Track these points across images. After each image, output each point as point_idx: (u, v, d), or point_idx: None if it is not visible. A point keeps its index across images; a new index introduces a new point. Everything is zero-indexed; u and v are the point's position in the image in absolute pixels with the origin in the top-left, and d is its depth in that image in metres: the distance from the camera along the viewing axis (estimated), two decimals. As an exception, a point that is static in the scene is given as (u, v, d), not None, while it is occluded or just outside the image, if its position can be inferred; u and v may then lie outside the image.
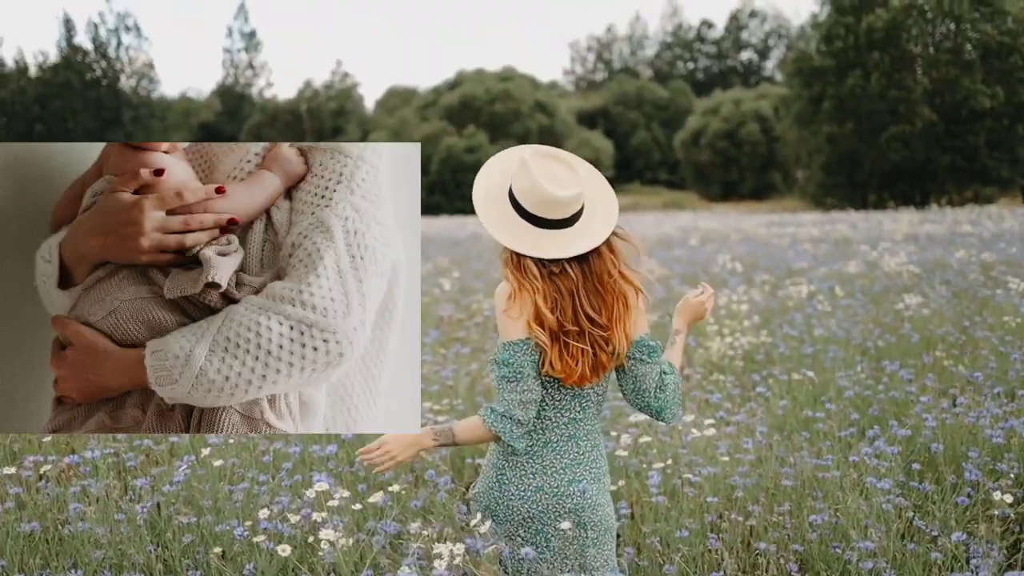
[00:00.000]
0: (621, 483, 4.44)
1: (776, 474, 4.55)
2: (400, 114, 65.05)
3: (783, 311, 9.39)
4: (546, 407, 2.88)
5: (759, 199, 61.95)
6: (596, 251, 2.85)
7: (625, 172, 70.82)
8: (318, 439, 4.85)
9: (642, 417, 4.74)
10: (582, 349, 2.80)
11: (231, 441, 4.60)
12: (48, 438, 4.92)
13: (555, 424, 2.89)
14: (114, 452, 4.72)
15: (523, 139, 61.66)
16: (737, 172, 64.73)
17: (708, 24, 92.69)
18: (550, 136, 63.18)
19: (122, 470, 4.69)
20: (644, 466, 4.58)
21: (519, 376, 2.78)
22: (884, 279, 11.12)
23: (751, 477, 4.49)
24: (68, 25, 68.93)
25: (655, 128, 75.04)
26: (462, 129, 59.60)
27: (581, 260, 2.84)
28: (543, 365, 2.80)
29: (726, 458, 4.52)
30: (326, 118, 68.79)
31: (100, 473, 4.36)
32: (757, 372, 7.14)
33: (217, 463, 4.13)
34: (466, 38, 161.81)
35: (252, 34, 75.76)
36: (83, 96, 67.19)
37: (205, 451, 4.09)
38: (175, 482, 4.06)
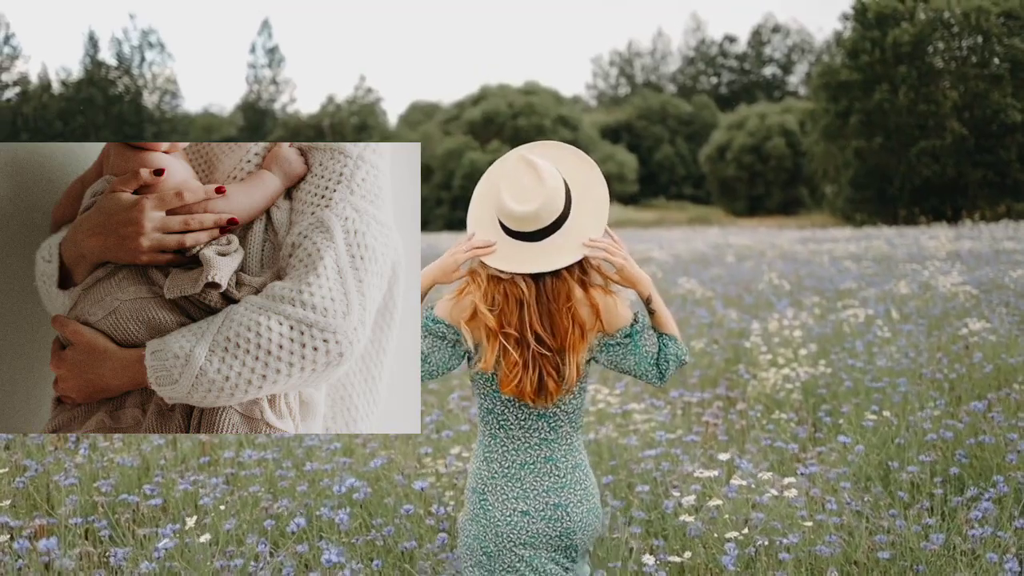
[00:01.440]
0: (688, 555, 3.75)
1: (869, 543, 3.85)
2: (423, 129, 64.51)
3: (838, 337, 8.66)
4: (511, 426, 2.77)
5: (786, 214, 61.26)
6: (556, 273, 2.70)
7: (650, 187, 70.27)
8: (328, 497, 4.19)
9: (709, 473, 4.04)
10: (524, 361, 2.67)
11: (225, 503, 3.94)
12: (7, 501, 4.30)
13: (526, 445, 2.77)
14: (94, 504, 4.09)
15: (546, 154, 60.84)
16: (763, 187, 64.14)
17: (731, 39, 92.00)
18: (574, 150, 62.34)
19: (96, 538, 4.04)
20: (715, 535, 3.87)
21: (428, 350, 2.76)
22: (940, 301, 10.38)
23: (837, 546, 3.80)
24: (92, 41, 68.82)
25: (679, 143, 74.46)
26: (486, 144, 59.00)
27: (536, 277, 2.70)
28: (480, 361, 2.72)
29: (808, 523, 3.82)
30: (348, 133, 68.31)
31: (67, 542, 3.70)
32: (821, 408, 6.42)
33: (203, 538, 3.43)
34: (489, 54, 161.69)
35: (275, 50, 75.34)
36: (105, 112, 66.98)
37: (190, 521, 3.40)
38: (156, 558, 3.39)
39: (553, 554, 2.74)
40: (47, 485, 4.64)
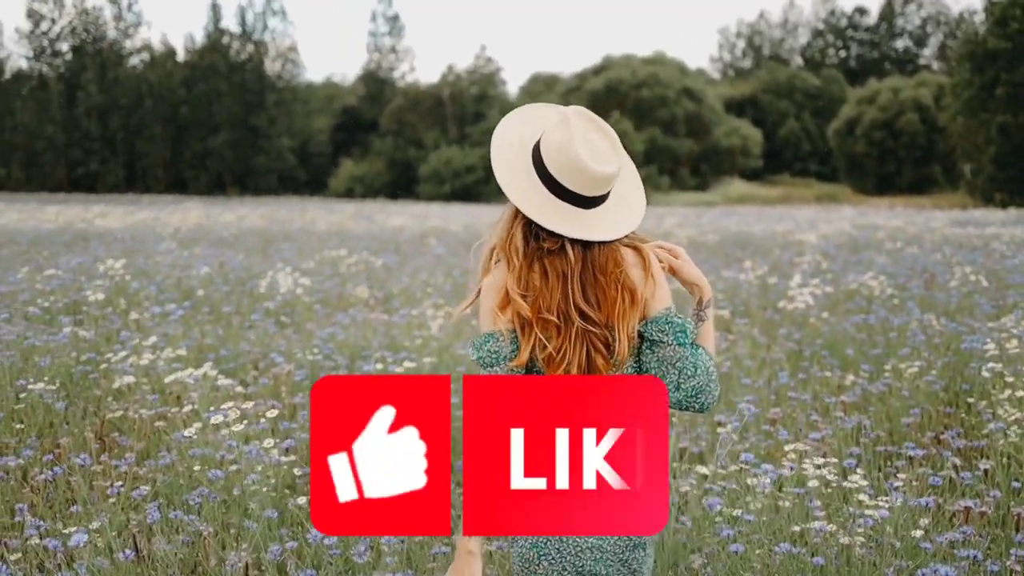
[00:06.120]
0: None
1: None
2: (543, 100, 63.40)
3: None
4: None
5: (919, 193, 58.73)
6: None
7: (774, 162, 68.40)
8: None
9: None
10: (570, 341, 2.38)
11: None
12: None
13: None
14: None
15: (669, 126, 59.57)
16: (894, 164, 61.77)
17: (861, 11, 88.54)
18: (698, 123, 61.00)
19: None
20: None
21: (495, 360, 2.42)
22: None
23: None
24: (215, 9, 69.47)
25: (805, 117, 72.10)
26: (606, 116, 57.74)
27: (585, 245, 2.40)
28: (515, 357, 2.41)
29: None
30: (468, 103, 67.65)
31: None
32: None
33: None
34: (611, 25, 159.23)
35: (395, 18, 75.07)
36: (228, 80, 67.64)
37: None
38: None
39: None
40: None
